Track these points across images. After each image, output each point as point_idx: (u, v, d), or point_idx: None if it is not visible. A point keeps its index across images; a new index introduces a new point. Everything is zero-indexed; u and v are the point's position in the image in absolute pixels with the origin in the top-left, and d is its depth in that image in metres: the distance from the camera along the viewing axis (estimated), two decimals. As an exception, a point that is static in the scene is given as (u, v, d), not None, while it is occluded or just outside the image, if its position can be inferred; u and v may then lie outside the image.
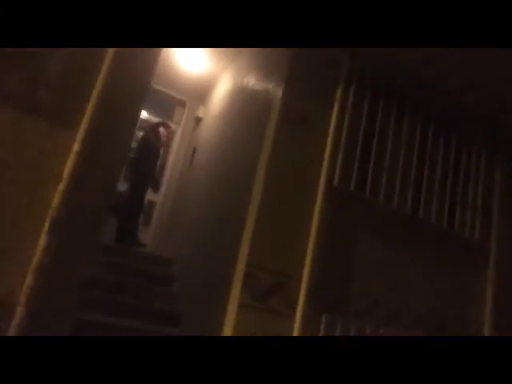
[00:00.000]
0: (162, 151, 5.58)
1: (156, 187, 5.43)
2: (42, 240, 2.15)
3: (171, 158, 5.88)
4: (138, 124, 5.92)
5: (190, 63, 5.06)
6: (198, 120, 5.60)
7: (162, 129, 5.31)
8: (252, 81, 3.84)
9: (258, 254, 2.77)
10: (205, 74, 5.20)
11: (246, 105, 3.86)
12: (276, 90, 3.15)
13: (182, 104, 6.04)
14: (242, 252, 2.83)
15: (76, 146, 2.28)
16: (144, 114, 6.01)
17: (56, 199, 2.21)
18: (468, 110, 3.71)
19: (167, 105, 6.09)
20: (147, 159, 5.06)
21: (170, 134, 5.54)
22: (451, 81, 3.52)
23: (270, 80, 3.36)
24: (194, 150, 5.26)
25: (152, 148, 5.17)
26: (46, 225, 2.16)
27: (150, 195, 5.61)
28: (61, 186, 2.23)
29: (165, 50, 4.75)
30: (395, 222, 3.28)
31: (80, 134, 2.30)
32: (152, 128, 5.34)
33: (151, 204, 5.72)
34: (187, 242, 4.30)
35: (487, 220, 3.76)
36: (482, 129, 3.87)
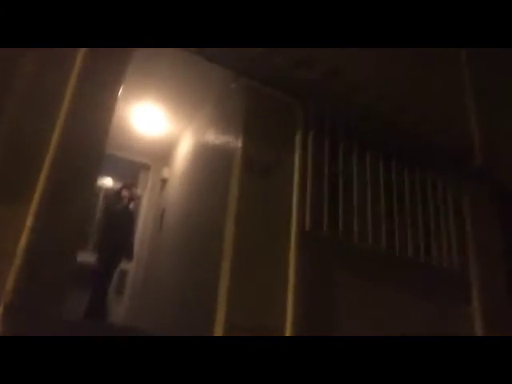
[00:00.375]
0: (132, 215, 5.36)
1: (129, 255, 5.12)
2: (-4, 327, 1.95)
3: (140, 223, 5.72)
4: (102, 193, 5.81)
5: (148, 125, 5.07)
6: (164, 181, 5.53)
7: (123, 191, 5.20)
8: (212, 136, 3.85)
9: (235, 314, 2.62)
10: (165, 134, 5.22)
11: (208, 161, 3.84)
12: (236, 142, 3.14)
13: (147, 167, 5.99)
14: (219, 314, 2.67)
15: (29, 221, 2.15)
16: (109, 182, 5.91)
17: (10, 280, 2.04)
18: (425, 140, 3.81)
19: (132, 170, 6.04)
20: (113, 227, 4.88)
21: (134, 194, 5.36)
22: (404, 115, 3.64)
23: (229, 133, 3.37)
24: (163, 213, 5.14)
25: (115, 214, 5.01)
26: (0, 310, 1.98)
27: (122, 264, 5.38)
28: (15, 265, 2.06)
29: (119, 113, 4.76)
30: (372, 260, 3.22)
31: (33, 208, 2.17)
32: (114, 193, 5.25)
33: (124, 272, 5.47)
34: (162, 311, 4.08)
35: (463, 247, 3.76)
36: (443, 157, 3.96)
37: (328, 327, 2.87)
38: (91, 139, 2.53)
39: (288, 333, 2.68)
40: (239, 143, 3.06)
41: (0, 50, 2.36)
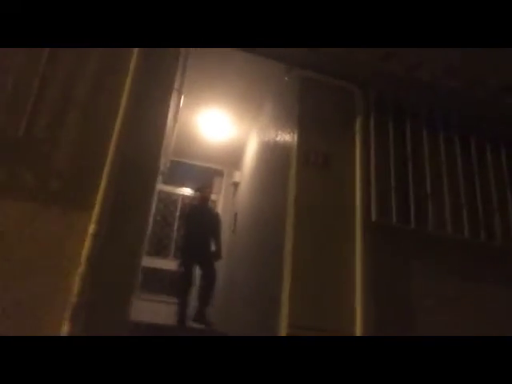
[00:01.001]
0: (216, 216, 5.30)
1: (217, 256, 4.99)
2: (64, 329, 2.07)
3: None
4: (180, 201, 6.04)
5: (217, 131, 5.17)
6: (236, 185, 5.60)
7: (198, 193, 5.28)
8: (273, 134, 3.79)
9: (299, 313, 2.51)
10: (233, 138, 5.28)
11: (270, 159, 3.78)
12: (292, 136, 3.05)
13: (220, 173, 6.12)
14: (282, 313, 2.58)
15: (91, 228, 2.26)
16: (187, 191, 6.13)
17: (76, 285, 2.16)
18: (506, 109, 3.35)
19: (207, 177, 6.21)
20: (196, 229, 4.93)
21: (208, 193, 5.28)
22: (483, 85, 3.25)
23: (286, 127, 3.28)
24: (236, 216, 5.19)
25: (196, 216, 5.04)
26: (68, 313, 2.10)
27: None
28: (80, 270, 2.18)
29: (187, 123, 4.91)
30: (453, 249, 2.89)
31: (95, 215, 2.29)
32: (193, 199, 5.37)
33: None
34: (238, 313, 4.08)
35: None
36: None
37: (402, 327, 2.62)
38: (148, 145, 2.61)
39: (358, 334, 2.50)
40: (295, 136, 2.97)
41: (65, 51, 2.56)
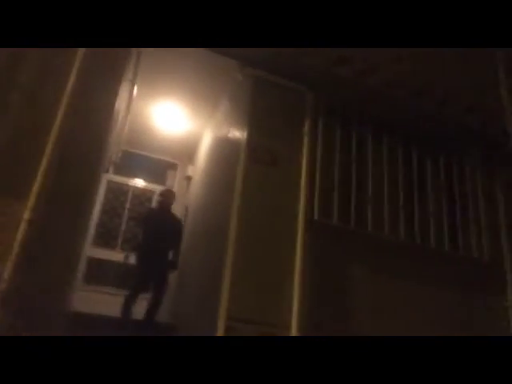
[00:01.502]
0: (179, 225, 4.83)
1: (174, 266, 4.59)
2: (-6, 318, 2.01)
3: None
4: (130, 192, 5.94)
5: (172, 124, 5.12)
6: (189, 179, 5.58)
7: (160, 198, 4.90)
8: (225, 130, 3.81)
9: (238, 307, 2.55)
10: (189, 132, 5.26)
11: (221, 156, 3.81)
12: (242, 133, 3.08)
13: (174, 167, 6.08)
14: (222, 306, 2.61)
15: (26, 214, 2.19)
16: (138, 182, 6.04)
17: (7, 271, 2.09)
18: (451, 122, 3.55)
19: (160, 169, 6.14)
20: (151, 239, 4.48)
21: (170, 199, 4.81)
22: (424, 96, 3.42)
23: (237, 124, 3.31)
24: (187, 209, 5.18)
25: (154, 223, 4.59)
26: (-4, 300, 2.03)
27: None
28: (12, 256, 2.12)
29: (143, 113, 4.84)
30: (390, 250, 3.04)
31: (30, 202, 2.22)
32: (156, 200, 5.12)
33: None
34: (186, 304, 4.09)
35: (495, 235, 3.46)
36: (471, 140, 3.68)
37: (338, 325, 2.73)
38: (92, 133, 2.56)
39: (293, 329, 2.57)
40: (245, 134, 3.01)
41: (2, 50, 2.46)
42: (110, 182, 5.75)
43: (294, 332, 2.55)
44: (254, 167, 2.91)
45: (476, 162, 3.66)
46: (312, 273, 2.73)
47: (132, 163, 5.83)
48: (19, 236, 2.15)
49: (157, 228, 4.52)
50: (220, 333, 2.51)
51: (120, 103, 3.51)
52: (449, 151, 3.61)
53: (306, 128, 3.11)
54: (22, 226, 2.17)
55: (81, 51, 2.57)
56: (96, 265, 5.45)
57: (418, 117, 3.50)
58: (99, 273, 5.44)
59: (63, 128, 2.40)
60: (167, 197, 4.78)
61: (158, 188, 6.01)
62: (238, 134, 3.24)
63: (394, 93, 3.35)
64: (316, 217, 2.89)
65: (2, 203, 2.22)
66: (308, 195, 2.92)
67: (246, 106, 3.17)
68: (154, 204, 5.82)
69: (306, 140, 3.07)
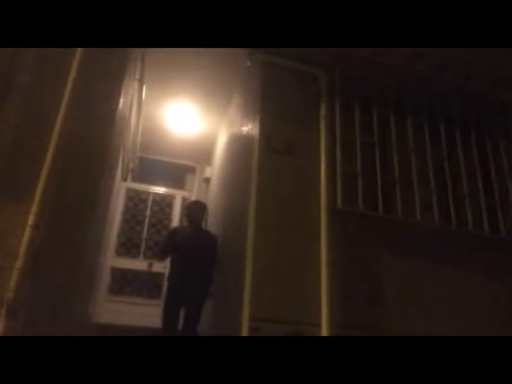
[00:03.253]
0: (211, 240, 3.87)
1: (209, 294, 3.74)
2: (1, 326, 1.89)
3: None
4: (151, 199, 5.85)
5: (186, 127, 5.01)
6: (207, 181, 5.44)
7: (187, 211, 4.09)
8: (238, 124, 3.65)
9: (260, 306, 2.38)
10: (204, 133, 5.13)
11: (236, 151, 3.64)
12: (255, 124, 2.92)
13: (192, 170, 5.97)
14: (244, 306, 2.43)
15: (31, 219, 2.08)
16: (157, 189, 5.96)
17: (13, 279, 1.98)
18: (477, 95, 3.28)
19: (179, 174, 6.04)
20: (183, 264, 3.66)
21: (200, 212, 4.01)
22: (451, 70, 3.17)
23: (249, 114, 3.15)
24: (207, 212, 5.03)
25: (184, 244, 3.74)
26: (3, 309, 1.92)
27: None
28: (18, 264, 2.00)
29: (152, 116, 4.73)
30: (422, 238, 2.79)
31: (35, 206, 2.11)
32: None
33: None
34: (211, 311, 3.93)
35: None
36: (503, 114, 3.40)
37: (370, 318, 2.50)
38: (95, 133, 2.44)
39: (323, 327, 2.36)
40: (257, 123, 2.84)
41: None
42: (128, 190, 5.68)
43: (324, 329, 2.34)
44: (270, 158, 2.73)
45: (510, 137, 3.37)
46: (339, 265, 2.53)
47: (149, 169, 5.75)
48: (24, 242, 2.04)
49: (187, 250, 3.67)
50: (244, 334, 2.34)
51: (127, 105, 3.41)
52: (480, 126, 3.33)
53: (322, 112, 2.91)
54: (27, 232, 2.06)
55: (79, 50, 2.47)
56: (120, 275, 5.37)
57: (444, 92, 3.26)
58: (124, 283, 5.36)
59: (64, 131, 2.28)
60: (195, 210, 3.95)
61: (177, 193, 5.92)
62: (250, 125, 3.07)
63: (413, 68, 3.12)
64: (340, 205, 2.68)
65: (4, 208, 2.12)
66: (329, 183, 2.72)
67: (257, 94, 3.00)
68: (180, 219, 5.53)
69: (322, 124, 2.87)
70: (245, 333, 2.33)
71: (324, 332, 2.34)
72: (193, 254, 3.67)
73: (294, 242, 2.55)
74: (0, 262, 2.02)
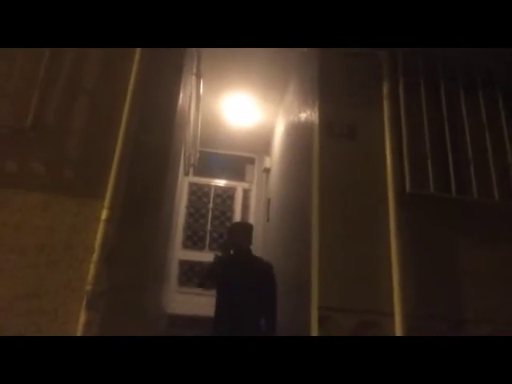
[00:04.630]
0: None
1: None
2: (82, 317, 2.01)
3: (251, 217, 5.73)
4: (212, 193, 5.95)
5: (244, 118, 5.03)
6: (267, 171, 5.44)
7: (229, 237, 3.35)
8: (296, 111, 3.59)
9: (330, 293, 2.32)
10: (261, 123, 5.13)
11: (295, 139, 3.59)
12: (313, 109, 2.84)
13: (251, 161, 6.00)
14: (313, 293, 2.40)
15: (104, 214, 2.18)
16: (218, 182, 6.04)
17: (91, 272, 2.09)
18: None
19: (239, 166, 6.09)
20: (230, 300, 3.01)
21: (245, 236, 3.24)
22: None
23: (308, 100, 3.08)
24: (269, 202, 5.04)
25: (230, 275, 3.08)
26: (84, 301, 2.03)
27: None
28: (94, 258, 2.11)
29: (210, 110, 4.78)
30: (501, 219, 2.58)
31: (107, 202, 2.21)
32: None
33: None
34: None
35: None
36: None
37: (446, 304, 2.36)
38: (159, 128, 2.51)
39: (397, 315, 2.26)
40: (316, 108, 2.76)
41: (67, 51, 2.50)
42: (191, 185, 5.83)
43: (397, 318, 2.24)
44: (331, 143, 2.65)
45: None
46: (410, 251, 2.40)
47: (209, 163, 5.84)
48: (99, 236, 2.15)
49: (236, 284, 3.00)
50: (314, 325, 2.30)
51: (187, 100, 3.47)
52: None
53: (385, 91, 2.76)
54: (101, 226, 2.16)
55: (139, 49, 2.53)
56: (188, 267, 5.54)
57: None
58: (192, 275, 5.52)
59: (129, 128, 2.37)
60: (239, 232, 3.23)
61: (238, 184, 5.97)
62: (309, 111, 3.00)
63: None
64: (409, 188, 2.54)
65: (80, 205, 2.24)
66: (396, 165, 2.58)
67: (314, 79, 2.93)
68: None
69: (386, 104, 2.73)
70: (314, 322, 2.30)
71: (397, 321, 2.24)
72: (233, 291, 2.99)
73: (362, 229, 2.45)
74: (79, 256, 2.15)
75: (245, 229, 3.28)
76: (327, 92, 2.76)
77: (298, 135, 3.37)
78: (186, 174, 5.07)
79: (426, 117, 2.74)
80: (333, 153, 2.62)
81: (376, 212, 2.48)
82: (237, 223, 3.91)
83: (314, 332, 2.27)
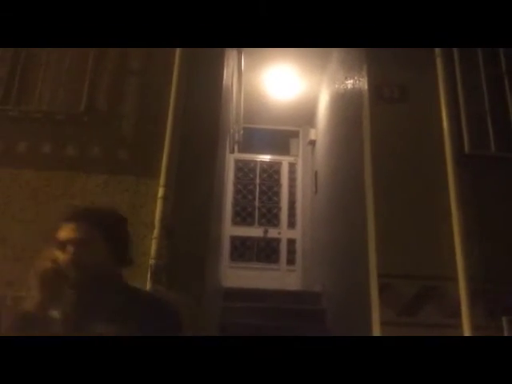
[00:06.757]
0: None
1: None
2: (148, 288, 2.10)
3: (299, 190, 5.71)
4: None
5: (287, 91, 4.96)
6: (313, 143, 5.36)
7: None
8: (342, 79, 3.49)
9: (389, 261, 2.29)
10: (304, 95, 5.04)
11: (341, 107, 3.50)
12: (361, 73, 2.75)
13: (296, 134, 5.93)
14: (370, 261, 2.38)
15: (160, 191, 2.25)
16: (264, 156, 6.04)
17: (153, 247, 2.17)
18: None
19: (283, 139, 6.04)
20: None
21: None
22: None
23: (355, 66, 2.98)
24: (316, 175, 4.98)
25: None
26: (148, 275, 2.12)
27: (288, 233, 5.52)
28: (154, 234, 2.19)
29: (251, 85, 4.73)
30: None
31: (162, 179, 2.27)
32: None
33: (291, 241, 5.55)
34: (329, 271, 3.93)
35: None
36: None
37: (509, 271, 2.26)
38: (206, 105, 2.53)
39: (461, 280, 2.19)
40: (364, 72, 2.67)
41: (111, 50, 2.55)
42: (237, 162, 5.87)
43: (461, 282, 2.17)
44: (382, 107, 2.57)
45: None
46: (472, 213, 2.31)
47: (253, 139, 5.83)
48: (158, 213, 2.22)
49: None
50: (374, 293, 2.28)
51: (229, 76, 3.45)
52: None
53: (438, 49, 2.62)
54: (159, 204, 2.23)
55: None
56: (239, 242, 5.64)
57: None
58: (243, 250, 5.62)
59: (178, 107, 2.41)
60: None
61: (283, 159, 5.96)
62: (356, 76, 2.91)
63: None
64: (467, 149, 2.43)
65: (138, 185, 2.32)
66: (453, 126, 2.47)
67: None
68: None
69: (439, 63, 2.59)
70: (374, 289, 2.28)
71: (461, 285, 2.17)
72: None
73: (419, 194, 2.39)
74: (140, 233, 2.24)
75: None
76: (375, 54, 2.66)
77: (345, 104, 3.29)
78: (231, 151, 5.10)
79: (484, 71, 2.59)
80: (384, 118, 2.54)
81: (434, 176, 2.40)
82: None
83: (375, 299, 2.26)
